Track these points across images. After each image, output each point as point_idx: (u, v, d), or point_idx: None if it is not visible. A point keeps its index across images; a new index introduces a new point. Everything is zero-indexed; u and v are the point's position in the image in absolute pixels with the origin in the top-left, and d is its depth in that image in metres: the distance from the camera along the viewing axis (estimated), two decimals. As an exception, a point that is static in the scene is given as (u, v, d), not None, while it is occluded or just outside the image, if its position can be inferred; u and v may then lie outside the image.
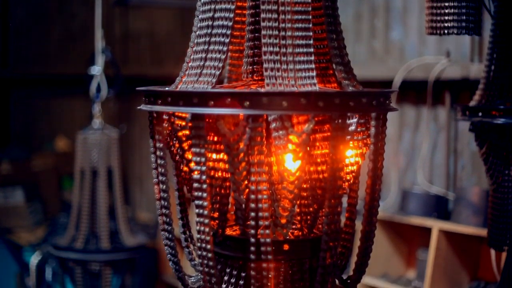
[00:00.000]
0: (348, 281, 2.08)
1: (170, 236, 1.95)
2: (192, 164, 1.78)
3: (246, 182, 1.79)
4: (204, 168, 1.75)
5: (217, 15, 1.88)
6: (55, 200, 7.19)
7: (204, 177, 1.75)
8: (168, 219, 1.95)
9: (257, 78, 2.00)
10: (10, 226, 6.76)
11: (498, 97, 2.92)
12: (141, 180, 7.03)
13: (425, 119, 4.51)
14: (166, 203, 1.94)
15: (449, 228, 3.98)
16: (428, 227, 4.10)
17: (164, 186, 1.95)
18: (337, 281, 2.09)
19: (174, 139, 1.95)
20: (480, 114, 2.86)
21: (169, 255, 1.98)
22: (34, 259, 5.78)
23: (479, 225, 3.90)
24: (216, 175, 1.87)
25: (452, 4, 2.93)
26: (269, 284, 1.81)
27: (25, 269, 5.94)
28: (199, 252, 1.80)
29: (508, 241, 2.85)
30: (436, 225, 4.01)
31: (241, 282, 1.90)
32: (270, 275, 1.79)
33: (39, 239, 6.28)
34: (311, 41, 1.83)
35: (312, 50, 1.85)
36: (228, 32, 1.86)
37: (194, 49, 1.96)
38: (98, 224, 4.10)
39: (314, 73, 1.84)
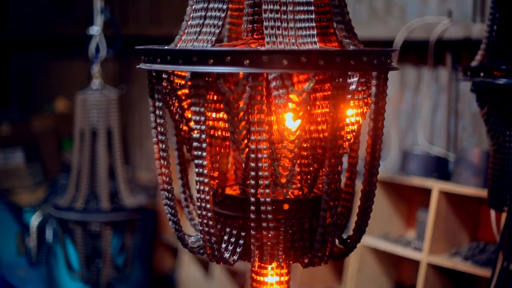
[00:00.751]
0: (348, 240, 2.10)
1: (170, 195, 1.96)
2: (191, 123, 1.80)
3: (246, 141, 1.80)
4: (203, 127, 1.76)
5: (216, -27, 1.89)
6: (55, 161, 7.18)
7: (203, 136, 1.76)
8: (167, 179, 1.96)
9: (257, 37, 2.01)
10: (10, 187, 6.74)
11: (500, 57, 2.93)
12: (141, 141, 7.06)
13: (425, 80, 4.53)
14: (165, 163, 1.96)
15: (449, 189, 3.98)
16: (428, 188, 4.10)
17: (164, 146, 1.96)
18: (337, 241, 2.11)
19: (174, 98, 1.96)
20: (481, 74, 2.86)
21: (168, 215, 2.00)
22: (34, 220, 5.74)
23: (479, 186, 3.90)
24: (216, 134, 1.88)
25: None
26: (269, 243, 1.81)
27: (26, 230, 5.91)
28: (199, 212, 1.80)
29: (508, 201, 2.87)
30: (436, 186, 4.01)
31: (241, 241, 1.91)
32: (270, 235, 1.79)
33: (40, 200, 6.25)
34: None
35: (312, 8, 1.84)
36: (228, -11, 1.86)
37: (193, 7, 1.96)
38: (98, 185, 4.11)
39: (315, 32, 1.83)
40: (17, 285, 6.50)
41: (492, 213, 3.63)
